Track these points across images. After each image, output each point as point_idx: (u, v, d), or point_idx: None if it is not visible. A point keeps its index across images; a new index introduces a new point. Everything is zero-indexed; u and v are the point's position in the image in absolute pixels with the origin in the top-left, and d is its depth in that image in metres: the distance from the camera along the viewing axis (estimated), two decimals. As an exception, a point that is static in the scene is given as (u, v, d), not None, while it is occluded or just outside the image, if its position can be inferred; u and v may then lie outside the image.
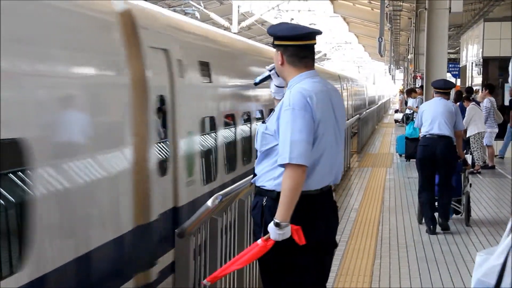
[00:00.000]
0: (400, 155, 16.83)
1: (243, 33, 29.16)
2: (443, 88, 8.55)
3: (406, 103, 20.48)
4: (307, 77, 3.52)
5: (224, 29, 21.02)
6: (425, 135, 8.40)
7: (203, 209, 3.91)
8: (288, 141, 3.32)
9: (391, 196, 11.04)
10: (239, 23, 27.16)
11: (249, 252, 3.40)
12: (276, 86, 3.73)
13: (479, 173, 13.69)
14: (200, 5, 25.58)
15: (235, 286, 4.62)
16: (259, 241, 3.36)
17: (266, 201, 3.46)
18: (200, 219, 3.88)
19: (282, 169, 3.35)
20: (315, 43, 3.63)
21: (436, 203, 8.30)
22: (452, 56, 31.89)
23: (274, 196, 3.41)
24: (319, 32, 3.64)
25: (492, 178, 13.20)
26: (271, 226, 3.33)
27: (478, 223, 8.80)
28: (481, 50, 18.44)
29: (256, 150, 3.56)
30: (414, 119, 16.09)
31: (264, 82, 3.86)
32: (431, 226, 8.12)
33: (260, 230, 3.46)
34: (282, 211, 3.30)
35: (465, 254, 7.20)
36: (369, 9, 30.61)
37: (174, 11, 16.76)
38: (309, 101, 3.37)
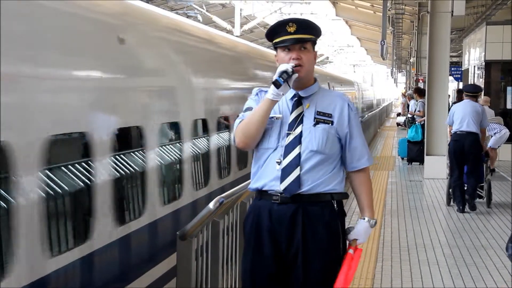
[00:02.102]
0: (402, 158, 16.83)
1: (245, 36, 29.19)
2: (472, 92, 10.16)
3: (408, 106, 20.46)
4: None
5: (227, 32, 21.04)
6: (456, 132, 9.90)
7: (205, 211, 3.92)
8: (365, 143, 3.51)
9: (393, 199, 11.04)
10: (241, 26, 27.17)
11: (350, 267, 3.32)
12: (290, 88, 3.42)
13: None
14: (203, 8, 25.60)
15: (236, 286, 4.63)
16: (351, 251, 3.36)
17: (337, 207, 3.42)
18: (201, 221, 3.88)
19: (342, 170, 3.45)
20: None
21: (465, 188, 9.90)
22: (454, 59, 31.86)
23: (343, 197, 3.44)
24: None
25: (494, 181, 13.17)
26: (366, 228, 3.43)
27: (475, 230, 8.80)
28: (483, 53, 18.43)
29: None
30: (416, 122, 16.12)
31: None
32: (461, 207, 9.77)
33: (339, 239, 3.40)
34: (372, 209, 3.48)
35: (466, 256, 7.20)
36: (371, 12, 30.60)
37: (177, 13, 16.77)
38: None
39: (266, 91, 3.42)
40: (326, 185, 3.35)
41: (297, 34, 3.35)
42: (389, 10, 22.48)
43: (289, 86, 3.34)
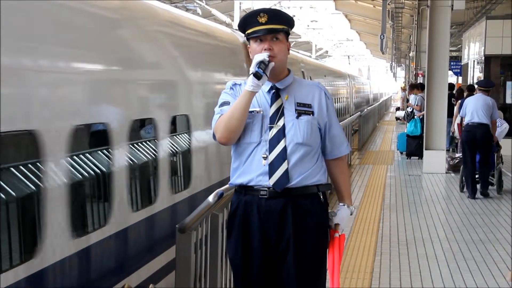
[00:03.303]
0: (401, 153, 16.84)
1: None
2: (484, 87, 10.91)
3: (407, 100, 20.45)
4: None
5: (226, 26, 20.98)
6: (468, 123, 10.64)
7: (204, 204, 3.92)
8: (343, 131, 3.55)
9: (392, 193, 11.05)
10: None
11: (334, 248, 3.39)
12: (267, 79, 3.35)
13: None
14: (202, 2, 25.55)
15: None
16: (337, 234, 3.42)
17: (323, 198, 3.43)
18: (201, 214, 3.88)
19: (322, 159, 3.47)
20: None
21: (477, 176, 10.63)
22: (454, 54, 31.84)
23: (328, 188, 3.47)
24: None
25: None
26: (348, 214, 3.49)
27: (474, 225, 8.81)
28: (483, 48, 18.42)
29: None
30: (415, 116, 16.12)
31: None
32: (472, 193, 10.48)
33: (326, 230, 3.43)
34: (350, 196, 3.55)
35: (465, 251, 7.21)
36: (371, 6, 30.57)
37: (176, 7, 16.74)
38: None
39: (240, 84, 3.39)
40: (312, 177, 3.35)
41: (269, 25, 3.31)
42: (388, 4, 22.45)
43: (267, 76, 3.29)
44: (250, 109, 3.32)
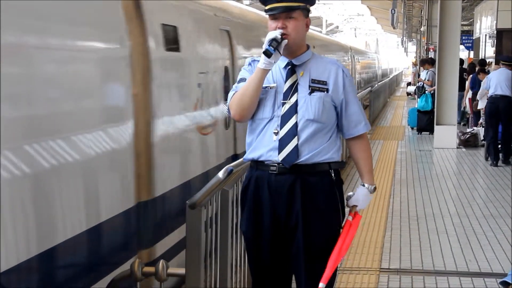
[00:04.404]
0: (412, 128, 16.79)
1: (254, 4, 28.96)
2: (508, 61, 11.64)
3: (419, 75, 20.33)
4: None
5: (237, 1, 20.86)
6: (492, 95, 11.43)
7: (214, 180, 3.92)
8: (362, 109, 3.46)
9: (403, 168, 11.04)
10: (250, -5, 26.97)
11: (347, 235, 3.31)
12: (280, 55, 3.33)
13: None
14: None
15: (246, 265, 4.66)
16: (350, 217, 3.36)
17: (335, 176, 3.37)
18: (211, 190, 3.88)
19: (339, 138, 3.42)
20: None
21: (500, 145, 11.48)
22: (466, 28, 31.58)
23: (340, 166, 3.44)
24: None
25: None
26: (365, 194, 3.41)
27: (485, 199, 8.80)
28: (495, 22, 18.27)
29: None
30: (426, 91, 16.04)
31: None
32: (495, 161, 11.27)
33: (338, 210, 3.38)
34: (372, 175, 3.47)
35: (475, 225, 7.21)
36: (382, -20, 30.30)
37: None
38: None
39: (258, 60, 3.36)
40: (323, 154, 3.32)
41: (284, 2, 3.29)
42: (399, -22, 22.24)
43: (280, 54, 3.27)
44: (264, 85, 3.33)
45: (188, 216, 3.75)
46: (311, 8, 3.46)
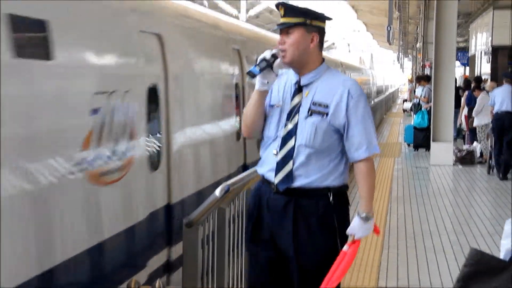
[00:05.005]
0: (408, 145, 16.80)
1: (251, 21, 29.09)
2: (511, 78, 11.99)
3: (415, 92, 20.38)
4: (328, 66, 3.35)
5: (234, 17, 20.94)
6: (497, 112, 11.71)
7: (211, 198, 3.91)
8: (371, 131, 3.29)
9: (399, 186, 11.02)
10: (247, 11, 27.06)
11: (340, 264, 3.18)
12: (276, 75, 3.33)
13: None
14: (208, -7, 25.51)
15: (243, 278, 4.63)
16: (345, 247, 3.20)
17: (333, 200, 3.26)
18: (208, 209, 3.87)
19: (344, 163, 3.29)
20: None
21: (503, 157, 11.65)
22: (461, 44, 31.71)
23: (342, 191, 3.30)
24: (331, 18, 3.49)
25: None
26: (358, 223, 3.23)
27: (482, 217, 8.78)
28: (490, 38, 18.34)
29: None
30: (422, 108, 16.06)
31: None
32: (501, 175, 11.56)
33: (334, 233, 3.26)
34: (370, 204, 3.28)
35: (472, 243, 7.19)
36: (377, -3, 30.45)
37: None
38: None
39: (282, 74, 3.38)
40: (322, 180, 3.26)
41: (285, 18, 3.27)
42: (395, -5, 22.36)
43: (274, 73, 3.25)
44: (272, 103, 3.35)
45: (185, 234, 3.73)
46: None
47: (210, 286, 3.98)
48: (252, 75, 3.24)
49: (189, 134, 5.76)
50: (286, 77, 3.38)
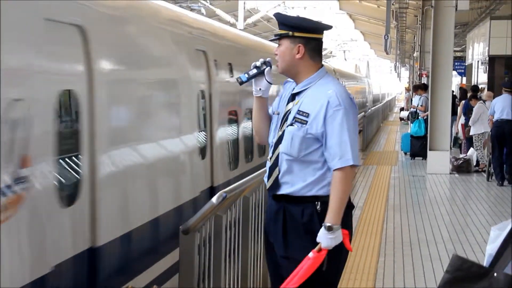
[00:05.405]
0: (405, 153, 16.81)
1: (248, 29, 29.15)
2: (510, 87, 12.15)
3: (412, 101, 20.42)
4: (325, 74, 3.39)
5: (230, 25, 20.99)
6: (498, 120, 11.96)
7: (207, 206, 3.91)
8: (347, 142, 3.23)
9: (396, 194, 11.03)
10: (244, 19, 27.12)
11: (301, 268, 3.21)
12: (269, 83, 3.42)
13: (484, 171, 13.68)
14: (206, 1, 25.56)
15: (239, 286, 4.63)
16: (310, 254, 3.21)
17: (320, 207, 3.28)
18: (204, 215, 3.88)
19: (331, 172, 3.26)
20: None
21: (505, 166, 11.99)
22: (458, 54, 31.80)
23: (327, 200, 3.26)
24: (331, 27, 3.58)
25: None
26: (322, 233, 3.21)
27: (478, 226, 8.79)
28: (487, 48, 18.41)
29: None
30: (419, 117, 16.09)
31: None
32: (500, 181, 11.85)
33: (313, 239, 3.25)
34: (336, 215, 3.21)
35: (469, 252, 7.19)
36: (375, 6, 30.55)
37: (181, 7, 16.74)
38: (352, 98, 3.34)
39: (286, 82, 3.51)
40: (308, 190, 3.30)
41: (278, 29, 3.42)
42: (393, 4, 22.44)
43: (267, 81, 3.40)
44: (273, 111, 3.50)
45: (182, 241, 3.73)
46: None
47: (206, 293, 3.98)
48: (240, 82, 3.40)
49: (121, 155, 4.58)
50: (290, 86, 3.49)
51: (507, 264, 2.39)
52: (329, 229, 3.20)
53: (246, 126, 8.40)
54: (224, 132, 7.36)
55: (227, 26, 9.69)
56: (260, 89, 3.40)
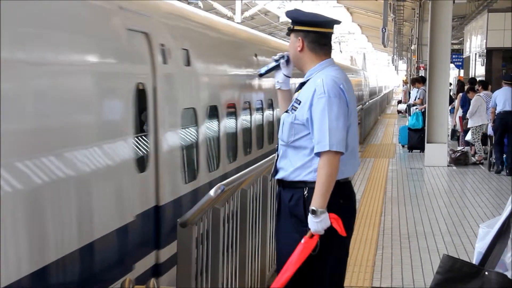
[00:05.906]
0: (403, 146, 16.83)
1: (246, 23, 29.10)
2: (510, 80, 12.55)
3: (409, 93, 20.43)
4: (329, 65, 3.52)
5: (228, 19, 20.96)
6: (500, 111, 12.33)
7: (205, 198, 3.91)
8: (326, 129, 3.33)
9: (394, 186, 11.04)
10: (242, 13, 27.07)
11: (294, 254, 3.29)
12: (285, 75, 3.67)
13: (482, 164, 13.70)
14: (203, -5, 25.51)
15: (238, 278, 4.64)
16: (303, 240, 3.30)
17: (307, 192, 3.39)
18: (202, 208, 3.87)
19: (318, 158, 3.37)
20: (333, 33, 3.64)
21: (505, 156, 12.43)
22: (456, 47, 31.80)
23: (313, 186, 3.35)
24: (339, 22, 3.67)
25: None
26: (309, 217, 3.30)
27: (476, 218, 8.81)
28: (484, 41, 18.40)
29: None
30: (416, 110, 16.10)
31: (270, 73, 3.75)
32: (500, 166, 12.44)
33: (303, 223, 3.35)
34: (319, 198, 3.29)
35: (467, 244, 7.21)
36: (372, -1, 30.50)
37: (179, 0, 16.71)
38: (342, 88, 3.40)
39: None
40: (296, 175, 3.45)
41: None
42: (390, -3, 22.41)
43: (285, 74, 3.65)
44: None
45: (179, 234, 3.73)
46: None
47: (204, 286, 3.98)
48: (259, 74, 3.73)
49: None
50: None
51: (497, 262, 2.40)
52: (313, 212, 3.30)
53: (208, 126, 6.74)
54: (177, 136, 5.68)
55: (185, 4, 7.40)
56: (278, 81, 3.66)
